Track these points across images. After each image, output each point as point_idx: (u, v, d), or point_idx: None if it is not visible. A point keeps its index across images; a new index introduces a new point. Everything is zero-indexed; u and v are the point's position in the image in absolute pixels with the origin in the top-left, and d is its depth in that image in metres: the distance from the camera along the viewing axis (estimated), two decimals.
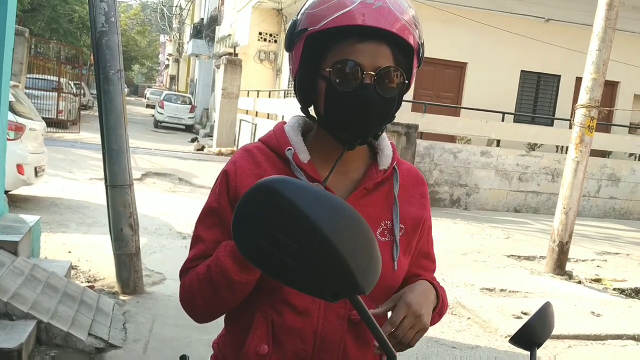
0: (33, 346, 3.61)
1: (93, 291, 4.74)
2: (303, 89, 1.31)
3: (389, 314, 1.25)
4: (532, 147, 13.38)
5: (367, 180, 1.33)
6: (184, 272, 1.34)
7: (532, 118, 14.83)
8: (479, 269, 7.14)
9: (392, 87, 1.24)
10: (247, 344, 1.27)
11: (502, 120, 13.04)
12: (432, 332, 4.84)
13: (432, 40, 13.75)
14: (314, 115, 1.34)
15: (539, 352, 4.22)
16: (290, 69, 1.34)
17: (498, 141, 12.89)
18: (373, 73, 1.21)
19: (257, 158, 1.34)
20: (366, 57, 1.21)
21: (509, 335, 5.26)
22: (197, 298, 1.29)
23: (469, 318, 5.28)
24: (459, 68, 14.48)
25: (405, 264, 1.36)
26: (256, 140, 1.44)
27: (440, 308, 1.35)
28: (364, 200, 1.31)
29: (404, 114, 12.32)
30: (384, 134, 1.39)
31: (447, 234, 9.10)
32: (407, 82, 1.28)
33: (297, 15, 1.30)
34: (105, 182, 4.93)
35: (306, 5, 1.28)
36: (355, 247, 0.78)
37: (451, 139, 13.21)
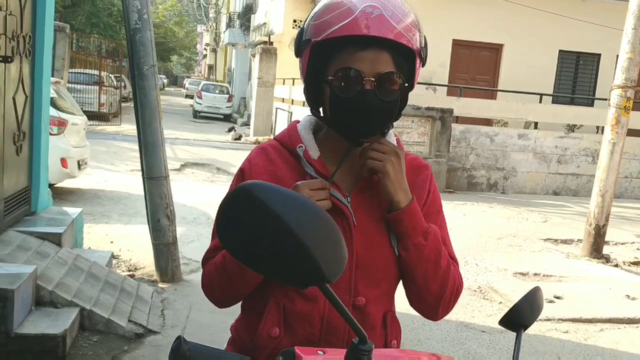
0: (77, 332, 3.81)
1: (133, 279, 4.94)
2: (311, 93, 1.41)
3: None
4: (572, 128, 13.17)
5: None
6: (204, 261, 1.47)
7: (571, 99, 14.57)
8: (514, 253, 7.13)
9: (393, 90, 1.33)
10: (260, 327, 1.38)
11: (540, 101, 12.86)
12: (462, 316, 4.90)
13: (467, 22, 13.69)
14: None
15: (570, 335, 4.22)
16: (300, 72, 1.44)
17: (536, 123, 12.72)
18: (373, 79, 1.29)
19: (271, 155, 1.45)
20: (366, 64, 1.29)
21: (540, 319, 5.27)
22: (215, 285, 1.41)
23: (500, 302, 5.31)
24: (495, 50, 14.31)
25: None
26: None
27: (432, 249, 1.36)
28: (368, 193, 1.39)
29: (439, 99, 12.28)
30: (391, 131, 1.48)
31: (482, 218, 9.08)
32: (406, 85, 1.35)
33: (304, 24, 1.39)
34: (142, 174, 5.12)
35: (311, 15, 1.37)
36: (320, 241, 0.88)
37: (487, 122, 13.10)
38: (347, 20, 1.27)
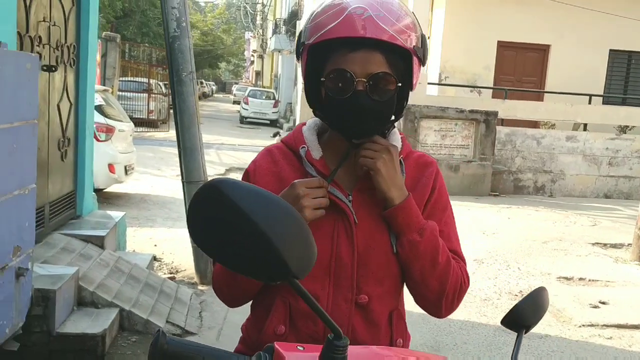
0: (116, 332, 3.92)
1: (173, 282, 5.05)
2: (310, 95, 1.43)
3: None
4: (623, 129, 12.79)
5: None
6: (214, 261, 1.50)
7: (623, 99, 14.14)
8: (558, 257, 6.96)
9: (388, 89, 1.33)
10: (266, 325, 1.41)
11: (589, 102, 12.53)
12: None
13: (512, 23, 13.46)
14: None
15: (614, 342, 4.09)
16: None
17: (585, 125, 12.40)
18: (365, 80, 1.30)
19: (276, 157, 1.47)
20: (357, 65, 1.30)
21: (583, 325, 5.12)
22: (223, 285, 1.45)
23: None
24: (542, 51, 13.99)
25: None
26: None
27: (427, 246, 1.35)
28: (369, 192, 1.39)
29: (484, 101, 12.11)
30: (395, 129, 1.48)
31: (527, 222, 8.90)
32: (399, 84, 1.35)
33: (303, 26, 1.41)
34: (182, 178, 5.22)
35: (308, 17, 1.39)
36: (287, 238, 0.89)
37: (534, 124, 12.85)
38: (335, 23, 1.29)
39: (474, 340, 4.34)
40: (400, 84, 1.35)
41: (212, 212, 0.90)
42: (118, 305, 4.01)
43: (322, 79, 1.35)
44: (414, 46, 1.33)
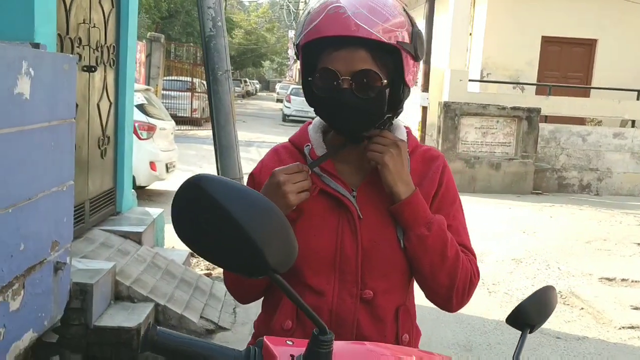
0: None
1: (208, 278, 5.13)
2: (308, 94, 1.44)
3: None
4: None
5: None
6: None
7: None
8: (601, 257, 6.79)
9: (374, 86, 1.32)
10: (274, 321, 1.43)
11: (638, 99, 12.17)
12: None
13: (557, 18, 13.16)
14: None
15: None
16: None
17: (633, 121, 12.05)
18: (349, 78, 1.31)
19: (282, 156, 1.50)
20: (341, 63, 1.31)
21: (623, 327, 5.00)
22: (229, 284, 1.50)
23: (581, 308, 5.08)
24: (588, 46, 13.63)
25: None
26: None
27: (436, 240, 1.34)
28: (376, 187, 1.40)
29: (527, 98, 11.90)
30: (399, 124, 1.48)
31: (570, 221, 8.70)
32: (385, 81, 1.34)
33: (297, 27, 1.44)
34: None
35: (301, 18, 1.41)
36: (266, 232, 0.91)
37: (580, 121, 12.55)
38: (315, 22, 1.30)
39: (509, 341, 4.28)
40: (385, 81, 1.34)
41: (193, 207, 0.93)
42: (153, 300, 4.10)
43: (310, 78, 1.37)
44: (400, 42, 1.31)
